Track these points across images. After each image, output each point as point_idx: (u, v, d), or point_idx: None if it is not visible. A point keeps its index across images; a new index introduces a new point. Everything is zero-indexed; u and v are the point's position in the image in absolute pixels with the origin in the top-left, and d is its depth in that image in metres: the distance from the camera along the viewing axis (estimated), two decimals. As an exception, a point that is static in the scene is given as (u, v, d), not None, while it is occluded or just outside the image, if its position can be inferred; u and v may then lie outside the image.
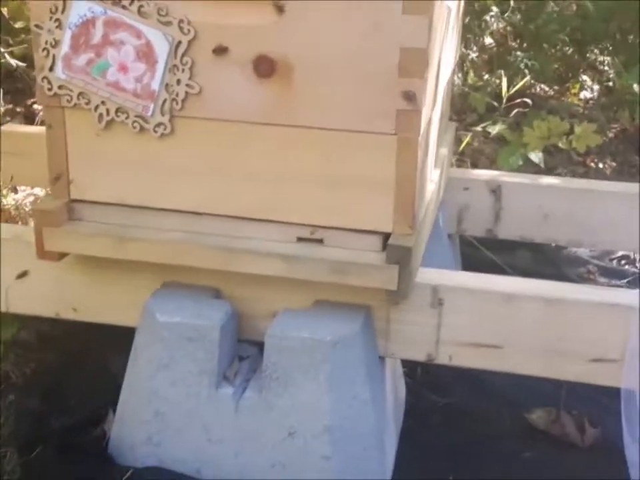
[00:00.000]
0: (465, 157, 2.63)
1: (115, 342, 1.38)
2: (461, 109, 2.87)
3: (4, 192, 2.11)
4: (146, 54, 1.19)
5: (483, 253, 1.88)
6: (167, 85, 1.19)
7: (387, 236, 1.19)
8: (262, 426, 1.20)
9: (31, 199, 2.18)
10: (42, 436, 1.31)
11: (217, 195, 1.23)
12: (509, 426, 1.44)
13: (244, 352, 1.27)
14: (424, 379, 1.54)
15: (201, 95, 1.18)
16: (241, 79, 1.16)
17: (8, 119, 2.52)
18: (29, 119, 2.67)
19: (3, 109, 2.47)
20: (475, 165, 2.57)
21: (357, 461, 1.21)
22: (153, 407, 1.23)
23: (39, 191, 2.19)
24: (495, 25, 3.10)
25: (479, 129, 2.78)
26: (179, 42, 1.17)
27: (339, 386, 1.18)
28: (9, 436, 1.35)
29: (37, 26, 1.20)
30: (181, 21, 1.16)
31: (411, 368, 1.53)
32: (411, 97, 1.13)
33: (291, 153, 1.19)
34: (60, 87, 1.22)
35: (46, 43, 1.21)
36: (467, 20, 2.95)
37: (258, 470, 1.21)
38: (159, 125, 1.21)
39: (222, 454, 1.22)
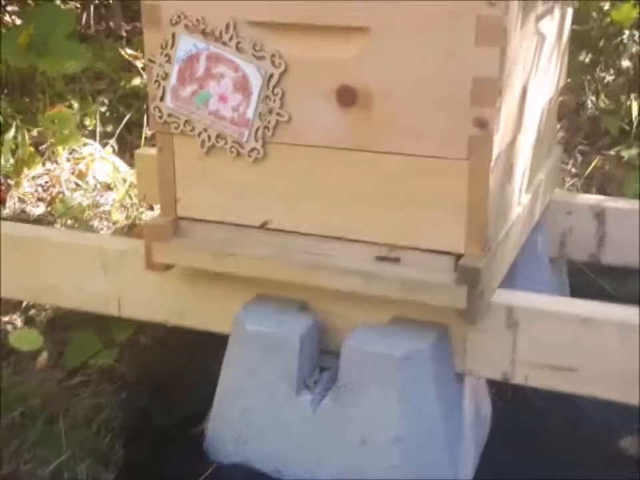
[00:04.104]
0: (592, 181, 2.58)
1: (220, 349, 1.50)
2: (591, 132, 2.82)
3: (140, 209, 2.31)
4: (242, 85, 1.30)
5: (592, 279, 1.86)
6: (260, 113, 1.30)
7: (460, 257, 1.23)
8: (337, 433, 1.27)
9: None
10: (145, 431, 1.44)
11: (303, 214, 1.32)
12: (599, 451, 1.43)
13: (327, 363, 1.35)
14: (514, 400, 1.55)
15: (290, 123, 1.28)
16: (326, 108, 1.25)
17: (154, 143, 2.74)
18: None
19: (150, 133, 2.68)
20: (602, 191, 2.51)
21: (427, 474, 1.25)
22: (240, 407, 1.33)
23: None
24: (633, 48, 3.02)
25: (611, 152, 2.72)
26: (271, 74, 1.28)
27: (409, 399, 1.23)
28: (119, 429, 1.50)
29: (150, 60, 1.35)
30: (273, 55, 1.27)
31: (501, 389, 1.54)
32: (482, 124, 1.17)
33: (371, 177, 1.26)
34: (169, 115, 1.36)
35: (157, 75, 1.35)
36: (601, 43, 2.91)
37: (333, 473, 1.28)
38: (253, 149, 1.32)
39: (300, 456, 1.30)
